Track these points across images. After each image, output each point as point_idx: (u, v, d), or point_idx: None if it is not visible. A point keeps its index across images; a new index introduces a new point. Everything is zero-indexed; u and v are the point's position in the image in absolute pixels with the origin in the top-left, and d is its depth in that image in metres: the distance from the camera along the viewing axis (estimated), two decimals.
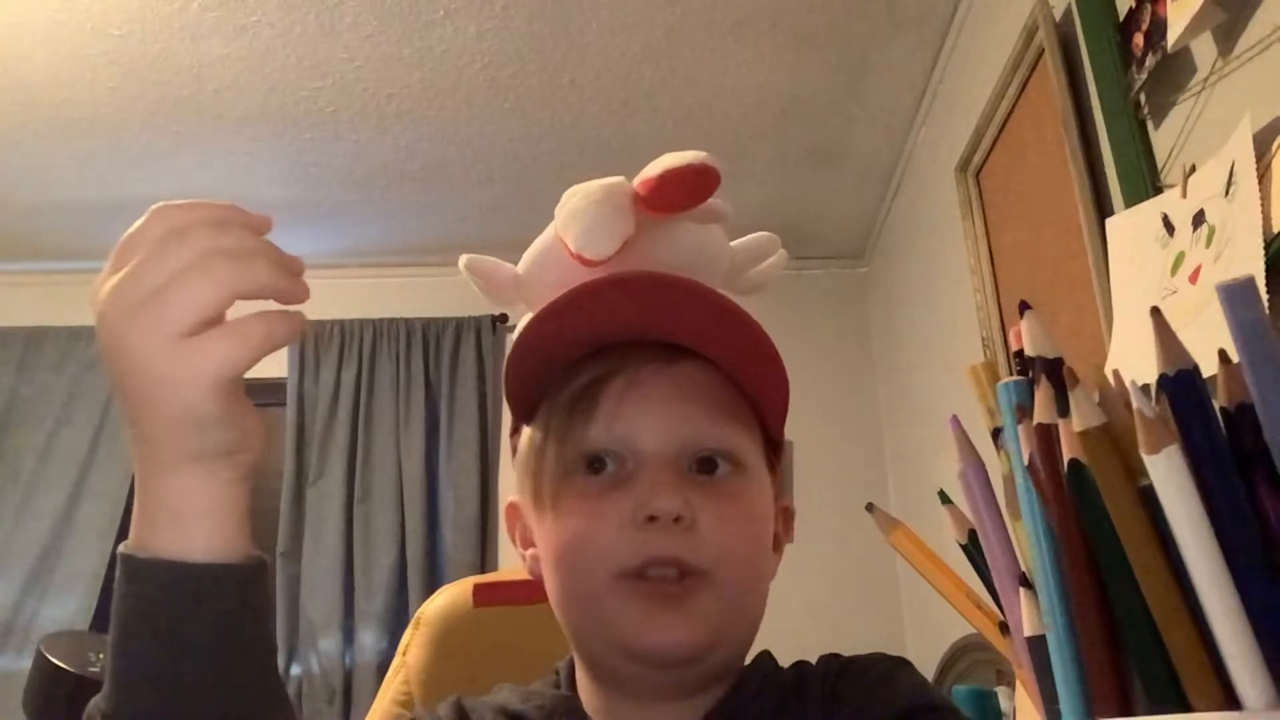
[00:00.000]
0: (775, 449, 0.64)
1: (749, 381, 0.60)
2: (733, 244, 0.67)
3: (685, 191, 0.58)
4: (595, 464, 0.59)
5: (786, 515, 0.67)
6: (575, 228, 0.57)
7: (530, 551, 0.64)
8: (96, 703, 0.43)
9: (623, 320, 0.59)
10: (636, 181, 0.59)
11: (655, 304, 0.57)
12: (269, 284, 0.42)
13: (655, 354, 0.59)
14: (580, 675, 0.63)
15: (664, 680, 0.58)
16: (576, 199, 0.59)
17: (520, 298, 0.66)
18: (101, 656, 1.41)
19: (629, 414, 0.58)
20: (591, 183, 0.60)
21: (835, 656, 0.64)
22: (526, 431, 0.64)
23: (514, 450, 0.66)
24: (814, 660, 0.64)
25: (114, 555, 0.44)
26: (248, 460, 0.44)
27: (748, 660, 0.63)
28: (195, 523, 0.43)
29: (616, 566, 0.56)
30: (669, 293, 0.57)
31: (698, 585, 0.56)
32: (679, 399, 0.59)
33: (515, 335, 0.61)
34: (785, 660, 0.65)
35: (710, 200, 0.60)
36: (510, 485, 0.67)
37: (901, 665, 0.62)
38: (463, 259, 0.66)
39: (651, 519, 0.55)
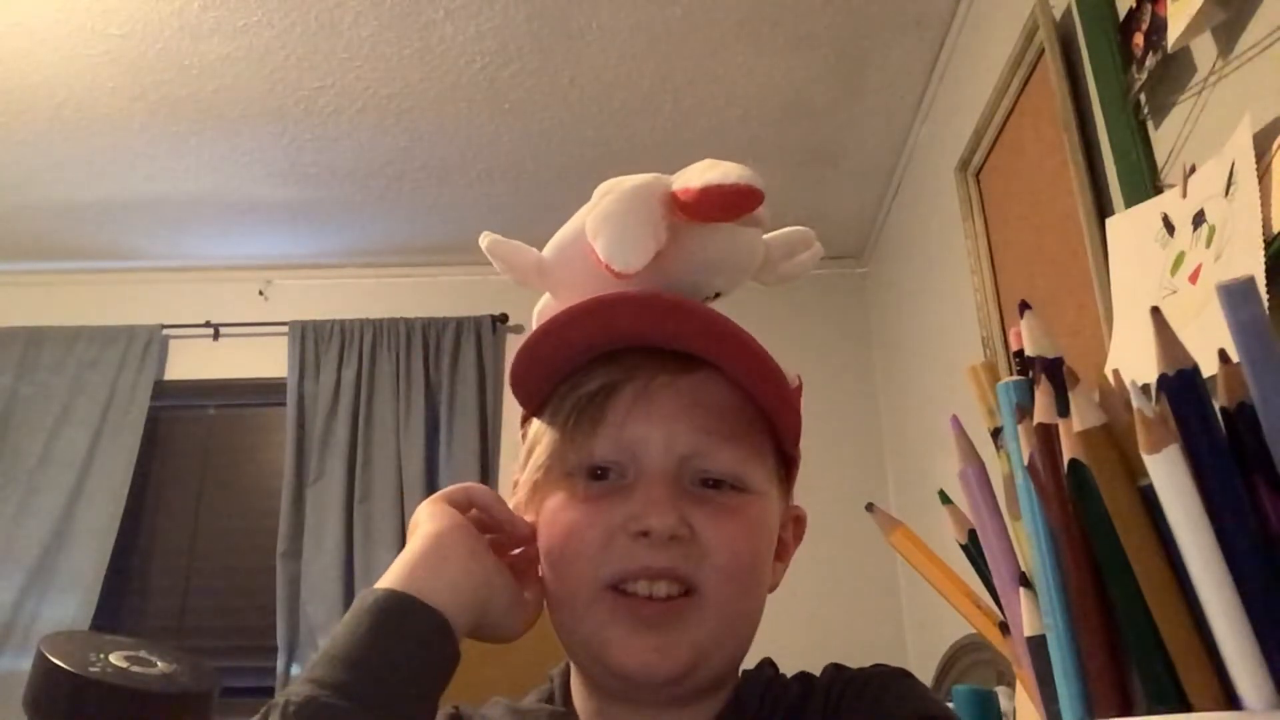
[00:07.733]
0: (789, 462, 0.63)
1: (760, 396, 0.60)
2: (766, 237, 0.66)
3: (725, 209, 0.57)
4: (597, 472, 0.58)
5: (797, 522, 0.66)
6: (605, 236, 0.56)
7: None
8: (310, 682, 0.49)
9: (633, 331, 0.59)
10: (676, 185, 0.58)
11: (662, 323, 0.58)
12: None
13: (667, 363, 0.59)
14: (575, 682, 0.63)
15: (652, 694, 0.58)
16: (609, 200, 0.57)
17: (543, 283, 0.65)
18: (102, 656, 1.40)
19: (636, 425, 0.57)
20: (626, 181, 0.59)
21: (839, 668, 0.63)
22: (534, 424, 0.63)
23: (524, 438, 0.65)
24: (817, 670, 0.63)
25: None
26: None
27: (750, 666, 0.63)
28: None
29: (605, 575, 0.56)
30: (675, 314, 0.57)
31: (686, 606, 0.55)
32: (687, 414, 0.58)
33: (529, 331, 0.61)
34: (785, 663, 0.65)
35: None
36: (510, 484, 0.66)
37: (903, 677, 0.61)
38: (483, 238, 0.65)
39: (644, 534, 0.55)
